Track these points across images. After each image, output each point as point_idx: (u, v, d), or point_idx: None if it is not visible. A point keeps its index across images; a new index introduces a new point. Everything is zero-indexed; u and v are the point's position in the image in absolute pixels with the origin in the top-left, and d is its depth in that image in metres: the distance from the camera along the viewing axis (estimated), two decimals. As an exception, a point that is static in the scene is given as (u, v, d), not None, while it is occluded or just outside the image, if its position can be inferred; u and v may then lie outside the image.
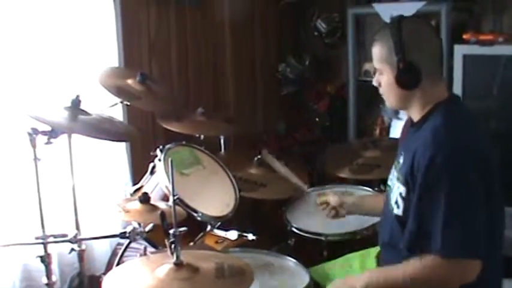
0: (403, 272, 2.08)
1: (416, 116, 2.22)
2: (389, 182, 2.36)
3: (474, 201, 2.00)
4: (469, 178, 1.99)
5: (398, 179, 2.21)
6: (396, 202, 2.18)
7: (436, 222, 1.98)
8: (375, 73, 2.27)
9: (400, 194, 2.16)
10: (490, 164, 2.06)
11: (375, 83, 2.27)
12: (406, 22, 2.16)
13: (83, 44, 3.17)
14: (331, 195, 2.79)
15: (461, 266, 2.00)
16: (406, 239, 2.07)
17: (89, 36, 3.20)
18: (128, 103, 3.03)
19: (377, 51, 2.20)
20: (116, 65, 3.37)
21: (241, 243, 3.08)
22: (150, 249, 2.68)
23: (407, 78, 2.12)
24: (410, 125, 2.30)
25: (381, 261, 2.42)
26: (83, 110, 2.56)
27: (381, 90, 2.25)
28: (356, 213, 2.78)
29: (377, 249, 2.48)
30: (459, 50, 3.54)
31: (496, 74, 3.43)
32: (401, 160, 2.24)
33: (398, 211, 2.17)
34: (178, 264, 1.97)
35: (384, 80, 2.20)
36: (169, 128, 3.20)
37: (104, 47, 3.29)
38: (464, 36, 3.55)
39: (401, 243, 2.09)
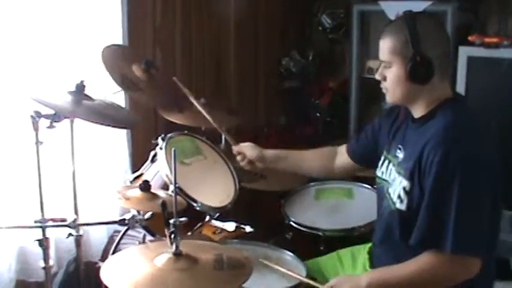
0: (409, 270, 2.10)
1: (419, 112, 2.22)
2: (384, 177, 2.36)
3: (483, 202, 2.03)
4: (480, 178, 2.02)
5: (399, 173, 2.21)
6: (399, 196, 2.18)
7: (447, 220, 2.00)
8: (378, 67, 2.26)
9: (404, 188, 2.16)
10: (497, 167, 2.10)
11: (378, 77, 2.25)
12: (420, 17, 2.16)
13: (88, 29, 3.15)
14: (249, 149, 2.80)
15: (467, 263, 2.04)
16: (417, 235, 2.08)
17: (95, 22, 3.18)
18: (131, 94, 3.02)
19: (389, 43, 2.17)
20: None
21: (239, 235, 3.08)
22: (148, 237, 2.68)
23: (422, 72, 2.11)
24: (408, 119, 2.29)
25: (374, 257, 2.43)
26: (87, 95, 2.55)
27: (385, 84, 2.23)
28: (278, 168, 2.82)
29: (367, 245, 2.50)
30: (464, 52, 3.54)
31: (500, 76, 3.44)
32: (400, 154, 2.25)
33: (401, 205, 2.17)
34: (178, 254, 1.97)
35: (391, 73, 2.18)
36: (170, 119, 3.19)
37: (109, 33, 3.27)
38: (470, 38, 3.56)
39: (411, 240, 2.09)
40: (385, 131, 2.45)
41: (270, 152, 2.79)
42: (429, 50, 2.10)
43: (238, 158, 2.82)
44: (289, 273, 2.42)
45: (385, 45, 2.19)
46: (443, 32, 2.23)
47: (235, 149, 2.83)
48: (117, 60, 2.99)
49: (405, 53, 2.12)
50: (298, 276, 2.40)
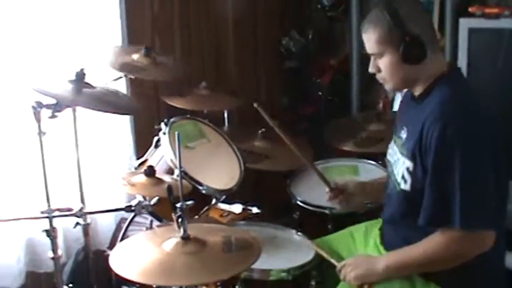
0: (423, 250, 2.10)
1: (418, 90, 2.20)
2: (389, 158, 2.37)
3: (487, 173, 2.01)
4: (480, 150, 2.01)
5: (402, 153, 2.21)
6: (403, 177, 2.18)
7: (452, 196, 1.99)
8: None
9: (407, 168, 2.15)
10: (496, 139, 2.08)
11: (371, 70, 2.23)
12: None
13: (87, 18, 3.14)
14: (352, 184, 2.68)
15: (479, 237, 2.03)
16: (424, 215, 2.06)
17: (92, 10, 3.17)
18: (133, 76, 3.02)
19: (373, 34, 2.15)
20: (119, 38, 3.35)
21: (246, 217, 3.08)
22: (155, 222, 2.68)
23: (415, 52, 2.09)
24: (411, 98, 2.29)
25: (384, 235, 2.42)
26: (88, 83, 2.54)
27: (381, 75, 2.22)
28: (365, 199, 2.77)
29: (380, 221, 2.49)
30: (464, 24, 3.51)
31: (501, 47, 3.41)
32: (403, 135, 2.24)
33: (405, 186, 2.17)
34: (186, 238, 1.97)
35: (384, 62, 2.16)
36: (172, 104, 3.19)
37: (108, 20, 3.26)
38: (470, 9, 3.52)
39: (420, 220, 2.07)
40: (397, 117, 2.46)
41: (367, 183, 2.74)
42: (415, 28, 2.08)
43: (331, 194, 2.68)
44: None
45: (371, 38, 2.16)
46: (421, 6, 2.22)
47: (338, 187, 2.67)
48: (118, 56, 3.02)
49: (393, 39, 2.10)
50: (319, 250, 2.45)
